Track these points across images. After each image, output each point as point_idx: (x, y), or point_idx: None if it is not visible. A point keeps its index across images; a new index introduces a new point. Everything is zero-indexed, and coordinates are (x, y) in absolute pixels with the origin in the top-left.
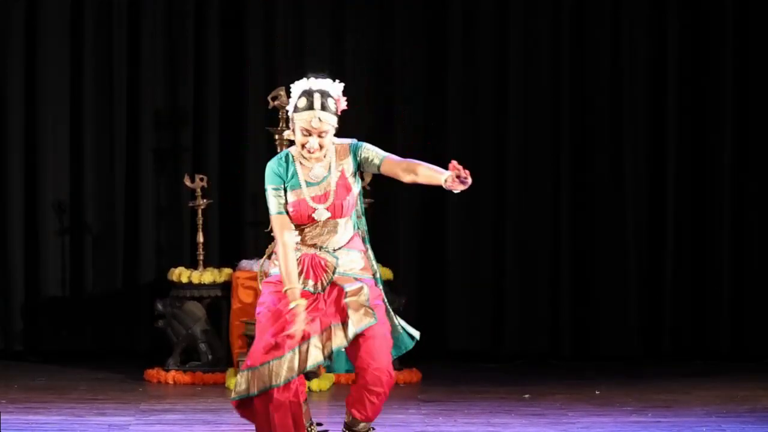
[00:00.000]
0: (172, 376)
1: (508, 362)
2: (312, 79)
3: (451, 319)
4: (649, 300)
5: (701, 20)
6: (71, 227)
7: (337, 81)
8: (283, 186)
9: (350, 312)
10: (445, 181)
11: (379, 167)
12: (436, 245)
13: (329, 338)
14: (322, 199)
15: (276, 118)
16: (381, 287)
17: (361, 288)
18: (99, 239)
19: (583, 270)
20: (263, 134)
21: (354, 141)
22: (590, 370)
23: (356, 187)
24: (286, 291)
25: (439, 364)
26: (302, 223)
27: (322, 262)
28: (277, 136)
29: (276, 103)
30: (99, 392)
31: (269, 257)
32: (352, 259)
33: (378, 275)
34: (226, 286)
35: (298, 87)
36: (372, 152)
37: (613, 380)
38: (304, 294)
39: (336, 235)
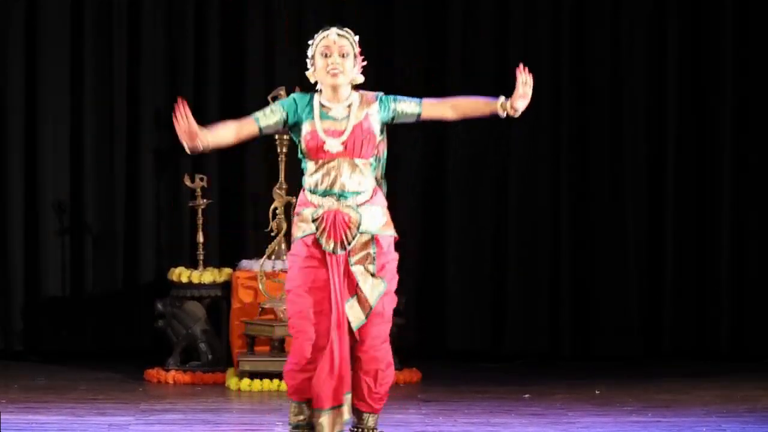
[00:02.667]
0: (172, 376)
1: (508, 362)
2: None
3: (450, 319)
4: (649, 300)
5: (701, 20)
6: (71, 227)
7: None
8: (283, 112)
9: (360, 285)
10: (508, 106)
11: (419, 115)
12: (435, 245)
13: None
14: (335, 134)
15: None
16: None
17: (368, 254)
18: (99, 239)
19: (583, 270)
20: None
21: (381, 94)
22: (590, 370)
23: (379, 135)
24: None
25: (439, 364)
26: (317, 157)
27: (345, 218)
28: (277, 136)
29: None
30: (99, 392)
31: (269, 257)
32: (374, 214)
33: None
34: (226, 286)
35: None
36: (406, 102)
37: (613, 380)
38: (315, 252)
39: (356, 177)
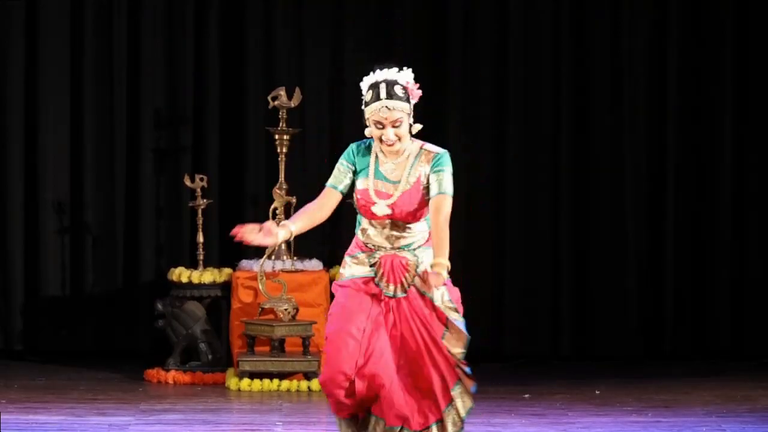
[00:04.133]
0: (172, 376)
1: (508, 362)
2: (377, 71)
3: None
4: (649, 300)
5: (701, 20)
6: (71, 227)
7: (405, 68)
8: (351, 167)
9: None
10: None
11: (428, 197)
12: None
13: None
14: (385, 196)
15: (276, 118)
16: None
17: (440, 289)
18: (99, 239)
19: (583, 270)
20: (263, 134)
21: (442, 153)
22: (590, 370)
23: (427, 195)
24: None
25: None
26: (368, 216)
27: (403, 261)
28: (277, 136)
29: (276, 103)
30: (99, 392)
31: (269, 257)
32: (430, 255)
33: None
34: (226, 286)
35: (366, 82)
36: (440, 182)
37: (613, 380)
38: (369, 288)
39: (409, 236)
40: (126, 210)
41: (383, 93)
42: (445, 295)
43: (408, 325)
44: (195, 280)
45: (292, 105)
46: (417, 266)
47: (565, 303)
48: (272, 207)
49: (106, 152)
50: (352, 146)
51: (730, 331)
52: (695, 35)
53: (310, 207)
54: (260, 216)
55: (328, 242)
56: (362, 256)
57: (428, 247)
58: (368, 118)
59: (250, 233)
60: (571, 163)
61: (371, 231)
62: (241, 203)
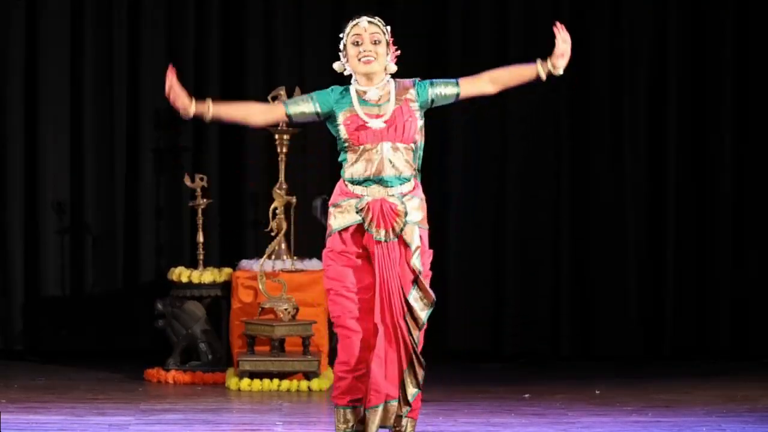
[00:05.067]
0: (172, 376)
1: (508, 362)
2: None
3: (451, 319)
4: (649, 300)
5: (701, 20)
6: (71, 227)
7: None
8: (317, 106)
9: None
10: (550, 65)
11: (458, 95)
12: (435, 245)
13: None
14: (376, 117)
15: None
16: None
17: (417, 247)
18: (99, 239)
19: (583, 270)
20: (263, 134)
21: (417, 80)
22: (590, 370)
23: (421, 122)
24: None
25: (439, 364)
26: (359, 142)
27: (392, 208)
28: (277, 136)
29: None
30: (99, 392)
31: (269, 257)
32: (416, 206)
33: None
34: (226, 286)
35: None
36: (443, 84)
37: (613, 380)
38: (354, 247)
39: (398, 162)
40: (126, 210)
41: (364, 16)
42: (417, 260)
43: (393, 274)
44: (195, 280)
45: None
46: (405, 214)
47: (565, 303)
48: (272, 207)
49: (106, 152)
50: (332, 87)
51: (731, 331)
52: (695, 35)
53: (251, 103)
54: (260, 216)
55: None
56: (346, 203)
57: (414, 195)
58: (345, 43)
59: (176, 87)
60: (571, 163)
61: (359, 165)
62: (241, 203)
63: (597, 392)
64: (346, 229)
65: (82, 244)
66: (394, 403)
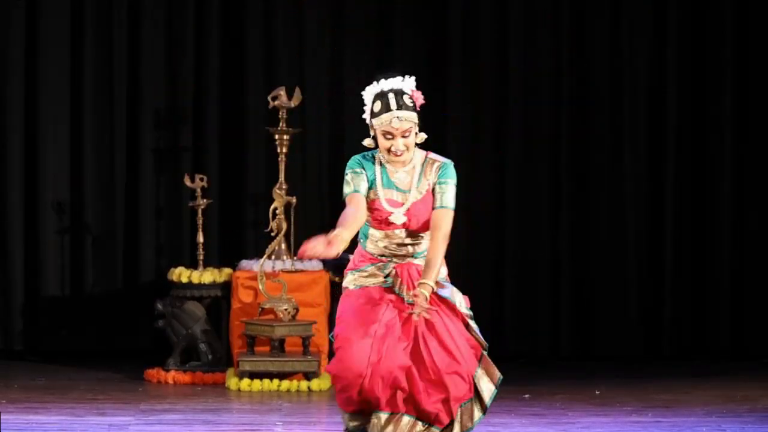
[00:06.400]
0: (172, 376)
1: (508, 362)
2: (382, 81)
3: None
4: (649, 300)
5: (701, 20)
6: (71, 227)
7: (407, 77)
8: (364, 171)
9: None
10: (413, 293)
11: (433, 209)
12: None
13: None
14: (397, 204)
15: (276, 118)
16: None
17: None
18: (99, 239)
19: (583, 270)
20: (263, 134)
21: (448, 164)
22: (590, 370)
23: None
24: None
25: None
26: (381, 228)
27: (420, 269)
28: (277, 136)
29: (276, 103)
30: (99, 392)
31: (269, 257)
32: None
33: None
34: (226, 286)
35: (369, 92)
36: (445, 193)
37: (613, 380)
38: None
39: (422, 244)
40: (126, 210)
41: (393, 103)
42: (463, 304)
43: (431, 324)
44: (195, 280)
45: (292, 105)
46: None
47: (565, 303)
48: (272, 207)
49: (106, 152)
50: (356, 157)
51: (730, 331)
52: (695, 35)
53: (348, 212)
54: (260, 216)
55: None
56: (372, 268)
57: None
58: (376, 129)
59: (317, 246)
60: (571, 163)
61: (382, 242)
62: (241, 203)
63: (597, 392)
64: (365, 288)
65: (82, 244)
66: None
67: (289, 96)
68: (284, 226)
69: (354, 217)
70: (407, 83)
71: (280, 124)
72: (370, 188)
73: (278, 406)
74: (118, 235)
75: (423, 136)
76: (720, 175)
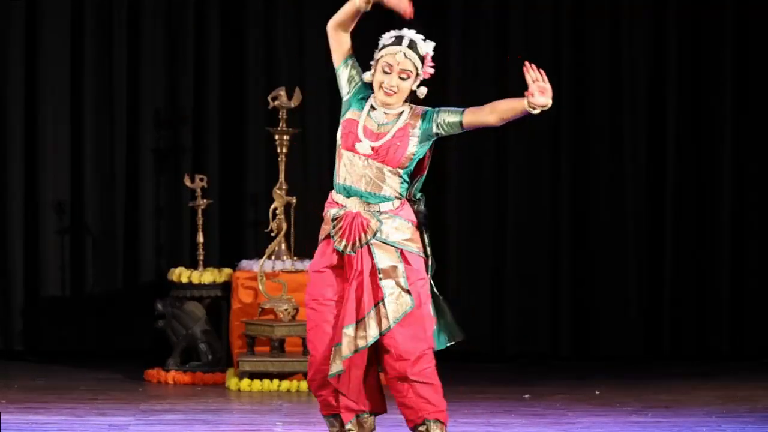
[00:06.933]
0: (172, 376)
1: (508, 362)
2: (407, 29)
3: None
4: (649, 300)
5: (701, 20)
6: (71, 227)
7: (428, 41)
8: (358, 77)
9: (386, 298)
10: (528, 103)
11: (461, 123)
12: (435, 245)
13: (364, 329)
14: (372, 136)
15: (276, 118)
16: (430, 272)
17: (395, 267)
18: (99, 239)
19: (583, 270)
20: (263, 134)
21: (429, 109)
22: (590, 370)
23: (414, 149)
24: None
25: (440, 364)
26: (346, 148)
27: (364, 222)
28: (277, 136)
29: (276, 103)
30: (99, 392)
31: (269, 257)
32: (398, 227)
33: (430, 261)
34: (226, 286)
35: (390, 33)
36: (448, 111)
37: (613, 380)
38: (334, 258)
39: (382, 184)
40: (126, 210)
41: (406, 41)
42: (402, 279)
43: (356, 284)
44: (195, 281)
45: (292, 105)
46: (375, 232)
47: (565, 303)
48: (272, 207)
49: (106, 152)
50: (363, 83)
51: (730, 332)
52: (695, 35)
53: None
54: (260, 216)
55: None
56: (329, 214)
57: (395, 216)
58: (378, 60)
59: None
60: (571, 164)
61: (341, 170)
62: (241, 203)
63: (597, 392)
64: (326, 239)
65: (82, 244)
66: (367, 416)
67: (289, 96)
68: (284, 226)
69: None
70: (428, 43)
71: (280, 124)
72: (352, 108)
73: (278, 406)
74: (118, 235)
75: (424, 90)
76: (720, 175)
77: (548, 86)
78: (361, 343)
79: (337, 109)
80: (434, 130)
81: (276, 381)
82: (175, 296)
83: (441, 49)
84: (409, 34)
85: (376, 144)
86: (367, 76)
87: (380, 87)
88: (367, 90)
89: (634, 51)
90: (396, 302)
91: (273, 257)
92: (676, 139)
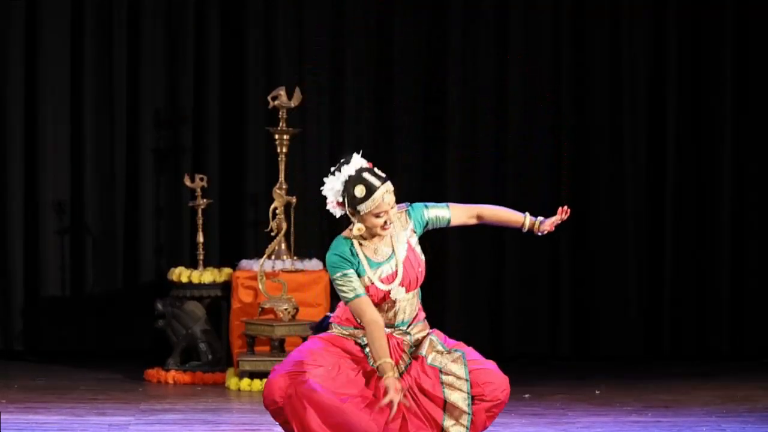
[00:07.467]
0: (172, 376)
1: (508, 362)
2: (342, 168)
3: (450, 319)
4: (649, 300)
5: (701, 20)
6: (71, 227)
7: (353, 155)
8: (353, 269)
9: (444, 370)
10: (534, 227)
11: (449, 221)
12: (435, 245)
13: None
14: (391, 278)
15: (276, 118)
16: None
17: (430, 341)
18: (99, 239)
19: (583, 270)
20: (263, 134)
21: (406, 205)
22: (590, 370)
23: (423, 257)
24: (378, 365)
25: None
26: (382, 303)
27: (399, 343)
28: (277, 136)
29: (276, 103)
30: (99, 392)
31: (269, 257)
32: (420, 330)
33: None
34: (226, 286)
35: (335, 183)
36: (436, 209)
37: (613, 380)
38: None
39: (408, 308)
40: (126, 210)
41: (375, 181)
42: (439, 345)
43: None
44: (195, 280)
45: (292, 105)
46: (411, 345)
47: (565, 303)
48: (272, 207)
49: (106, 152)
50: (334, 256)
51: (730, 332)
52: (695, 34)
53: (374, 329)
54: (260, 216)
55: (328, 242)
56: (354, 331)
57: (418, 321)
58: (365, 213)
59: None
60: (571, 163)
61: (386, 315)
62: (241, 203)
63: (597, 392)
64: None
65: (82, 244)
66: None
67: (289, 96)
68: (284, 226)
69: (381, 330)
70: (359, 159)
71: (280, 124)
72: (360, 275)
73: None
74: (118, 235)
75: (358, 228)
76: (720, 175)
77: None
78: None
79: (337, 108)
80: (429, 227)
81: None
82: (175, 296)
83: (441, 48)
84: (353, 168)
85: (399, 280)
86: (357, 228)
87: (381, 228)
88: (345, 251)
89: (634, 51)
90: (452, 364)
91: (273, 257)
92: (676, 139)
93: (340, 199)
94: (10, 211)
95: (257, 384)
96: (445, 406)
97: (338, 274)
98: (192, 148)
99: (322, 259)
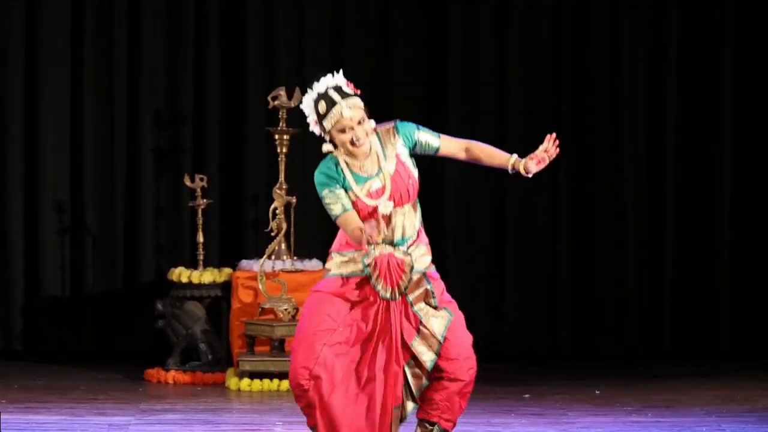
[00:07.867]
0: (172, 376)
1: (508, 362)
2: (314, 85)
3: None
4: (649, 300)
5: (701, 20)
6: (71, 227)
7: (332, 73)
8: (339, 185)
9: (423, 321)
10: (523, 166)
11: (438, 149)
12: (434, 245)
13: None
14: (378, 192)
15: (276, 118)
16: None
17: (426, 291)
18: (99, 239)
19: (583, 270)
20: (263, 134)
21: (396, 122)
22: (590, 370)
23: (415, 170)
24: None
25: None
26: (368, 219)
27: (399, 262)
28: (277, 136)
29: (276, 103)
30: (99, 392)
31: (269, 257)
32: (422, 253)
33: None
34: (226, 286)
35: (307, 101)
36: (427, 133)
37: (613, 380)
38: (355, 293)
39: (407, 222)
40: (126, 210)
41: (337, 96)
42: (433, 300)
43: (387, 330)
44: (195, 280)
45: (292, 105)
46: (411, 267)
47: (565, 303)
48: (272, 207)
49: (106, 152)
50: (321, 173)
51: (730, 332)
52: (695, 35)
53: (356, 227)
54: (260, 216)
55: (328, 242)
56: (354, 254)
57: (419, 243)
58: (330, 130)
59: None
60: (571, 163)
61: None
62: (241, 203)
63: (597, 392)
64: (348, 277)
65: (82, 244)
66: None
67: (289, 96)
68: (284, 226)
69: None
70: (337, 78)
71: (280, 124)
72: (347, 190)
73: (278, 406)
74: (118, 235)
75: (372, 123)
76: (720, 176)
77: (548, 161)
78: (425, 382)
79: None
80: (416, 149)
81: (276, 381)
82: (175, 296)
83: (441, 49)
84: (323, 86)
85: (387, 194)
86: (326, 147)
87: (350, 145)
88: (331, 169)
89: (634, 51)
90: (435, 319)
91: (273, 257)
92: (676, 139)
93: (315, 117)
94: (10, 211)
95: (257, 384)
96: (413, 357)
97: (325, 191)
98: (192, 148)
99: (323, 259)
